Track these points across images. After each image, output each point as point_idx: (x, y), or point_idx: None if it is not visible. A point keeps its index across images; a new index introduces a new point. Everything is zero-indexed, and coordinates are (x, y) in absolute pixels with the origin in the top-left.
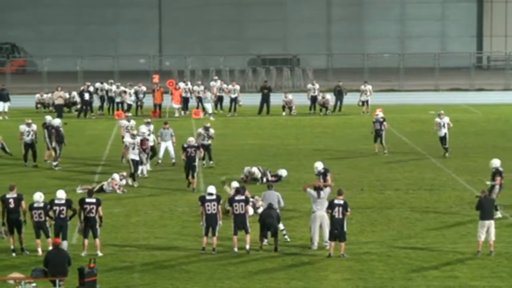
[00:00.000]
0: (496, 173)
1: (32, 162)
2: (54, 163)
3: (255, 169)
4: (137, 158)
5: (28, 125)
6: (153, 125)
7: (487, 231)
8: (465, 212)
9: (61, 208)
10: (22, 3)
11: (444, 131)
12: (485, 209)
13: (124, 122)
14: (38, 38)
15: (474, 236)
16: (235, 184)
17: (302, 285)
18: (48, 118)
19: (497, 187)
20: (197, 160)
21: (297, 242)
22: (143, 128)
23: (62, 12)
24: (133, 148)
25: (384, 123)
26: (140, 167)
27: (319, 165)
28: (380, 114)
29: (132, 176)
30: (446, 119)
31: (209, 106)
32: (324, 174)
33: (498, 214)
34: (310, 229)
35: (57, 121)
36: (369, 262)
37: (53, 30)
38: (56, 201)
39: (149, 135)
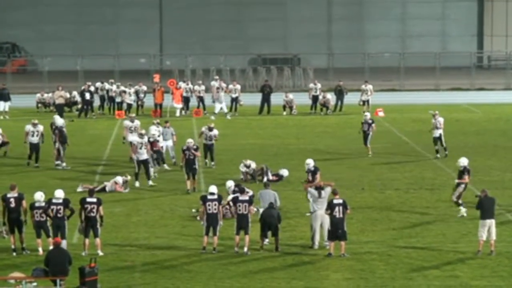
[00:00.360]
0: (464, 171)
1: (33, 163)
2: (63, 164)
3: (249, 161)
4: (144, 158)
5: (34, 125)
6: (161, 126)
7: (488, 230)
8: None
9: (58, 207)
10: (23, 3)
11: (439, 132)
12: (486, 208)
13: (127, 123)
14: (38, 38)
15: (474, 236)
16: (230, 183)
17: (302, 285)
18: (56, 117)
19: (462, 185)
20: (196, 162)
21: (297, 242)
22: (154, 130)
23: (62, 11)
24: (140, 148)
25: (373, 125)
26: (164, 165)
27: (310, 162)
28: (368, 115)
29: (136, 176)
30: (440, 120)
31: (220, 106)
32: (313, 172)
33: (463, 212)
34: (310, 229)
35: (60, 122)
36: (369, 261)
37: (53, 29)
38: (54, 200)
39: (159, 136)
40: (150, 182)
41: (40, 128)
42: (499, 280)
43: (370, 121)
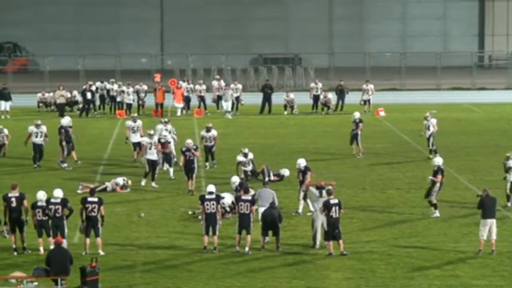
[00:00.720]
0: (438, 171)
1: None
2: (65, 164)
3: (247, 150)
4: (154, 158)
5: (37, 126)
6: (170, 125)
7: (489, 230)
8: (466, 211)
9: (57, 207)
10: (24, 3)
11: (428, 133)
12: (487, 208)
13: (129, 123)
14: (39, 37)
15: (475, 235)
16: (235, 178)
17: (303, 284)
18: (66, 117)
19: (437, 185)
20: (195, 162)
21: (298, 241)
22: (164, 131)
23: (63, 11)
24: (150, 148)
25: (360, 124)
26: (170, 169)
27: (301, 162)
28: (357, 115)
29: (146, 175)
30: (433, 121)
31: (225, 104)
32: (303, 172)
33: (436, 213)
34: (312, 228)
35: (65, 121)
36: (370, 261)
37: (54, 29)
38: (52, 200)
39: (169, 132)
40: (153, 184)
41: (43, 128)
42: (500, 279)
43: (357, 121)
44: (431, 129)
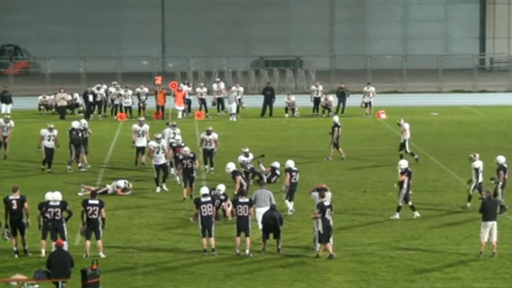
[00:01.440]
0: (404, 172)
1: (46, 168)
2: (68, 167)
3: (248, 149)
4: (163, 162)
5: (50, 130)
6: (178, 128)
7: (490, 232)
8: (468, 213)
9: (56, 209)
10: (25, 5)
11: (404, 138)
12: (488, 210)
13: (136, 127)
14: (41, 40)
15: (477, 238)
16: (231, 164)
17: (304, 287)
18: (83, 121)
19: (404, 186)
20: (194, 171)
21: (300, 244)
22: (176, 134)
23: (64, 13)
24: (157, 152)
25: (336, 128)
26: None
27: (288, 163)
28: (335, 119)
29: (157, 181)
30: (405, 126)
31: (233, 106)
32: (285, 172)
33: (396, 215)
34: (313, 231)
35: (76, 124)
36: (371, 263)
37: (56, 31)
38: (51, 203)
39: (173, 137)
40: (164, 186)
41: (55, 132)
42: (502, 282)
43: (333, 124)
44: (405, 134)
